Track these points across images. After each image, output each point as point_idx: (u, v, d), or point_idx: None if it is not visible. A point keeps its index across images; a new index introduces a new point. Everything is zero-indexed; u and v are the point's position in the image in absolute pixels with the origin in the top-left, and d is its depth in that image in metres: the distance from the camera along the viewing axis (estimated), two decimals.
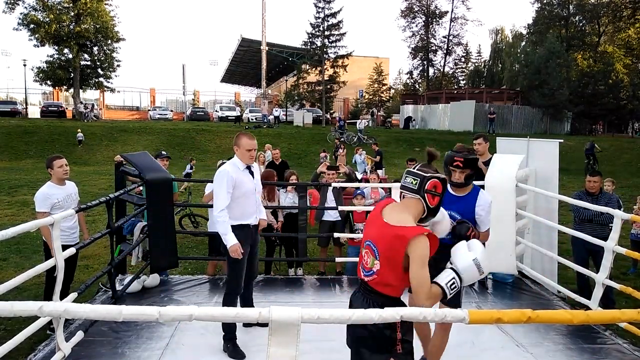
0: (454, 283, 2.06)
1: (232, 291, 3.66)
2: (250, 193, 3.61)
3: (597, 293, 4.04)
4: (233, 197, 3.48)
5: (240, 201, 3.54)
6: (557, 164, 5.20)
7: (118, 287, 4.50)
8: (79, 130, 21.86)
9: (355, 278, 5.52)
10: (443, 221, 2.43)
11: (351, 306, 2.26)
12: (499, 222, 4.35)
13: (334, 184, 5.49)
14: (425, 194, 2.15)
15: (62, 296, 3.39)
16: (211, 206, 5.28)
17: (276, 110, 31.94)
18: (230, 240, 3.44)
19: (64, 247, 4.19)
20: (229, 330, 3.58)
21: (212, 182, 5.39)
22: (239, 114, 33.40)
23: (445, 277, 2.08)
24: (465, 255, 2.14)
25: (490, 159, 5.24)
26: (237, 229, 3.51)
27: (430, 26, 46.28)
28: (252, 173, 3.64)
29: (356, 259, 5.64)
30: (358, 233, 5.61)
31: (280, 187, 5.97)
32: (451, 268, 2.13)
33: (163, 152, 6.32)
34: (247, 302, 3.94)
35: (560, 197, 4.76)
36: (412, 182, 2.18)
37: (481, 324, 2.11)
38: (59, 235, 3.22)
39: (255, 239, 3.79)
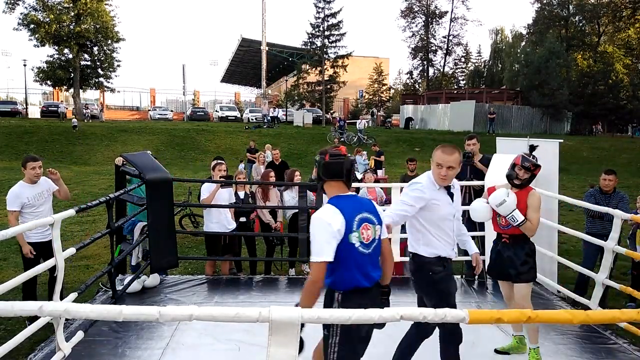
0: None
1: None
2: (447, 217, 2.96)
3: (597, 293, 4.04)
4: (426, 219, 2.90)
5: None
6: (557, 164, 5.19)
7: (118, 287, 4.50)
8: (75, 116, 23.78)
9: None
10: None
11: None
12: None
13: None
14: None
15: (31, 298, 3.32)
16: (209, 206, 5.31)
17: (275, 111, 31.87)
18: None
19: (40, 244, 4.29)
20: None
21: (208, 182, 5.46)
22: (272, 114, 30.90)
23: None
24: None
25: (483, 157, 5.28)
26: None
27: (430, 26, 46.30)
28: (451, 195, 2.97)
29: None
30: None
31: (279, 187, 5.98)
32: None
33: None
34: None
35: (560, 197, 4.75)
36: None
37: (481, 323, 2.11)
38: (59, 235, 3.22)
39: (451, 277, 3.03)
